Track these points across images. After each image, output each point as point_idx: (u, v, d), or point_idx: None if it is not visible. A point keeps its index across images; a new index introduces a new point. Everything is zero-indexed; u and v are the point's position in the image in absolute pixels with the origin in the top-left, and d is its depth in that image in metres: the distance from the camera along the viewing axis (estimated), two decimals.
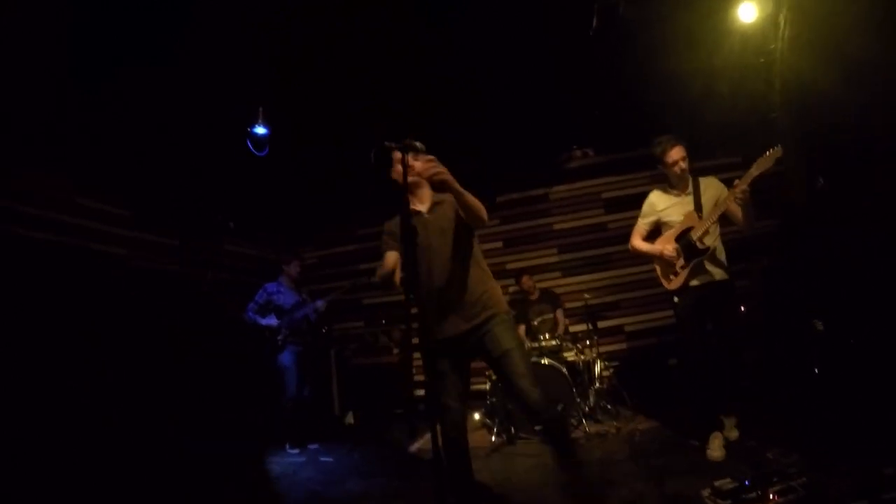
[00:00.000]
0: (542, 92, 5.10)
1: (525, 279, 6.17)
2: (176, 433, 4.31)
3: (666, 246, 3.73)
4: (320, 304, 5.53)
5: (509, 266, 7.06)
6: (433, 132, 2.94)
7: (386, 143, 2.39)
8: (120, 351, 4.32)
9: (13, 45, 3.30)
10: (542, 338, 5.38)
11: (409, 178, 2.50)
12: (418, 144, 2.40)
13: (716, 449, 3.53)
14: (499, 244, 7.33)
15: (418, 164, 2.62)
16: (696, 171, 3.83)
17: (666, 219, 3.82)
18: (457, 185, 2.55)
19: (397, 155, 2.59)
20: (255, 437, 5.32)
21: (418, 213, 2.84)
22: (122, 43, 3.48)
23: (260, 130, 4.34)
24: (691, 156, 3.72)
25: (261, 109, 4.27)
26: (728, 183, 3.58)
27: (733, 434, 3.71)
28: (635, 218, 4.04)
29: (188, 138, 4.54)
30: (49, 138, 4.15)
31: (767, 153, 3.32)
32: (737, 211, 3.56)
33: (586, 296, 5.82)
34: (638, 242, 3.95)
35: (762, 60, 4.26)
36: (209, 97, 4.09)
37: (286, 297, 5.46)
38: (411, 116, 4.72)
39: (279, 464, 4.80)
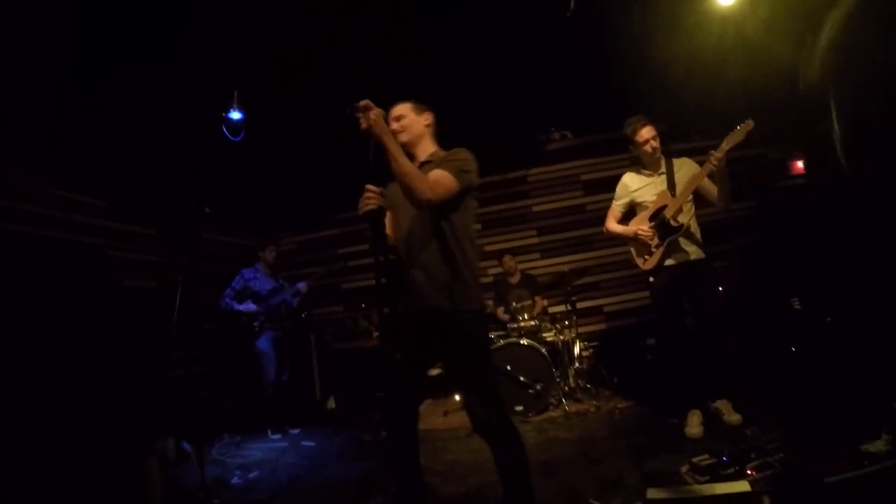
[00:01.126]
0: (520, 74, 5.07)
1: (507, 259, 6.19)
2: (156, 422, 4.27)
3: (640, 226, 3.75)
4: (302, 286, 5.47)
5: (488, 248, 7.06)
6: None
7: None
8: (101, 341, 4.27)
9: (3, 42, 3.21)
10: (520, 318, 5.42)
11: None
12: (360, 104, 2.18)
13: (694, 426, 3.59)
14: (478, 226, 7.32)
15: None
16: (672, 153, 3.85)
17: (639, 199, 3.84)
18: (385, 139, 2.19)
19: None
20: (237, 423, 5.29)
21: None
22: (117, 41, 3.41)
23: (235, 115, 4.25)
24: (669, 138, 3.74)
25: (235, 94, 4.18)
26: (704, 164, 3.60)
27: (734, 418, 3.58)
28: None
29: (162, 125, 4.44)
30: (32, 135, 4.05)
31: (738, 126, 3.37)
32: (710, 187, 3.60)
33: (564, 269, 5.85)
34: (612, 225, 3.97)
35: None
36: (182, 82, 3.99)
37: (263, 283, 5.41)
38: (387, 97, 4.66)
39: (261, 449, 4.78)
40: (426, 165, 2.48)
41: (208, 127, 4.40)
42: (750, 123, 3.35)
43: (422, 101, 2.68)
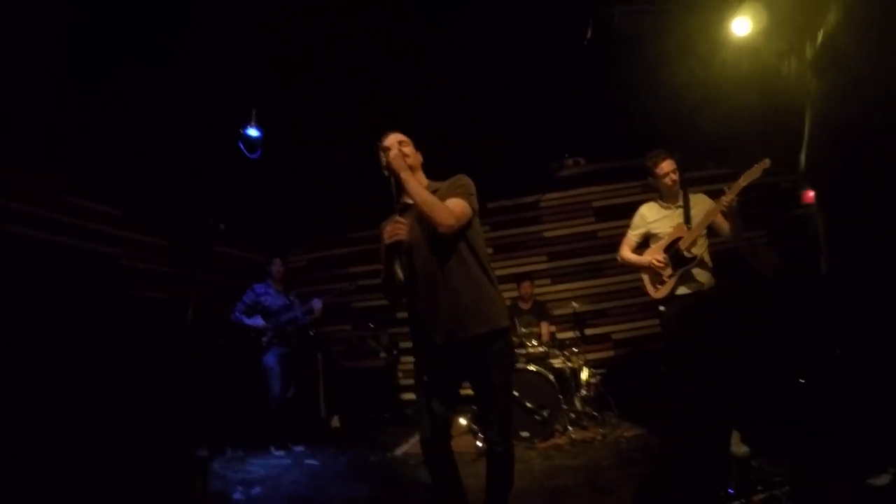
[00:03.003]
0: (535, 100, 5.12)
1: (526, 285, 6.17)
2: (164, 434, 4.27)
3: (655, 256, 3.79)
4: (317, 304, 5.46)
5: (499, 273, 7.03)
6: (426, 138, 2.94)
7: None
8: (111, 349, 4.29)
9: (5, 43, 3.28)
10: (529, 344, 5.39)
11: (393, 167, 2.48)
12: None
13: None
14: (490, 250, 7.35)
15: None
16: (687, 184, 3.90)
17: (655, 230, 3.90)
18: (403, 175, 2.46)
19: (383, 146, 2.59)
20: (240, 438, 5.27)
21: (408, 206, 2.60)
22: (118, 42, 3.47)
23: (252, 133, 4.32)
24: (682, 166, 3.78)
25: (254, 111, 4.25)
26: (717, 194, 3.63)
27: (741, 450, 3.55)
28: (625, 227, 4.11)
29: (180, 138, 4.52)
30: (41, 137, 4.12)
31: (756, 165, 3.42)
32: (723, 223, 3.68)
33: (574, 304, 5.83)
34: (627, 254, 4.01)
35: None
36: (202, 98, 4.07)
37: (274, 299, 5.44)
38: (404, 121, 4.73)
39: (263, 466, 4.76)
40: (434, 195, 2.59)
41: (225, 140, 4.46)
42: (766, 162, 3.40)
43: (441, 125, 2.90)
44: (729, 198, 3.46)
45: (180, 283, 5.40)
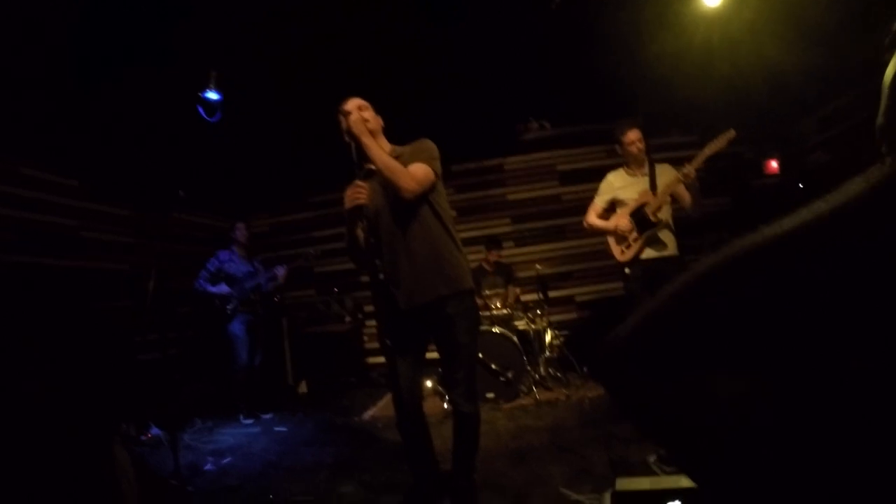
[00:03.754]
0: (500, 63, 5.06)
1: (493, 254, 6.18)
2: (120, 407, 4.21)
3: (620, 220, 3.88)
4: (281, 271, 5.40)
5: (463, 235, 7.05)
6: (389, 100, 2.89)
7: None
8: (71, 325, 4.18)
9: None
10: (493, 307, 5.45)
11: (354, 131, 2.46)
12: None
13: None
14: (453, 213, 7.33)
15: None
16: (653, 152, 4.02)
17: (621, 196, 3.97)
18: (365, 140, 2.44)
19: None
20: (209, 408, 5.25)
21: (372, 171, 2.59)
22: (69, 11, 3.28)
23: (212, 96, 4.15)
24: (644, 131, 3.89)
25: (213, 74, 4.08)
26: (681, 162, 3.72)
27: None
28: (589, 191, 4.19)
29: (136, 105, 4.32)
30: None
31: (721, 135, 3.51)
32: (684, 193, 3.79)
33: (538, 266, 5.92)
34: (593, 219, 4.09)
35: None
36: (158, 63, 3.89)
37: (238, 266, 5.35)
38: (368, 83, 4.62)
39: (233, 435, 4.77)
40: (398, 160, 2.57)
41: (183, 105, 4.29)
42: (731, 132, 3.49)
43: (402, 88, 2.86)
44: (691, 167, 3.55)
45: (142, 254, 5.26)
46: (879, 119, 0.88)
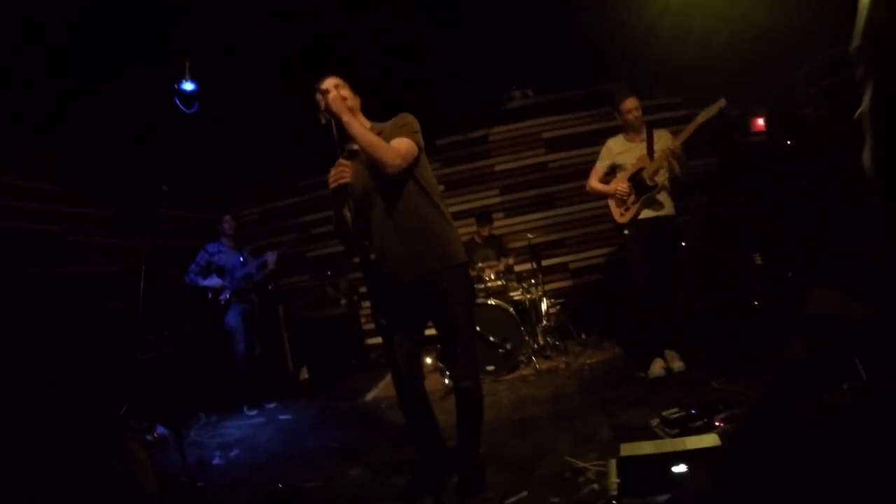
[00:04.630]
0: (481, 31, 4.97)
1: (485, 228, 6.15)
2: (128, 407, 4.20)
3: (619, 184, 4.09)
4: (271, 258, 5.35)
5: (453, 209, 7.04)
6: (371, 73, 2.84)
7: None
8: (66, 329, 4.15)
9: None
10: (487, 279, 5.44)
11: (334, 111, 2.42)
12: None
13: (657, 369, 3.97)
14: (441, 187, 7.29)
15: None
16: (648, 123, 4.19)
17: (620, 161, 4.18)
18: (345, 118, 2.41)
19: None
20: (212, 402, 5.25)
21: (355, 151, 2.58)
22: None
23: (188, 86, 4.06)
24: (628, 92, 4.10)
25: (187, 63, 3.98)
26: (669, 123, 3.78)
27: (677, 365, 3.98)
28: (576, 157, 4.38)
29: (113, 104, 4.22)
30: None
31: (713, 104, 3.69)
32: (674, 162, 3.95)
33: (529, 236, 5.91)
34: (595, 183, 4.31)
35: None
36: (133, 55, 3.78)
37: (227, 257, 5.30)
38: (346, 58, 4.53)
39: (239, 427, 4.78)
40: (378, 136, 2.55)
41: (161, 100, 4.20)
42: (723, 102, 3.67)
43: (382, 61, 2.83)
44: (679, 140, 3.79)
45: (130, 253, 5.20)
46: (866, 158, 0.85)
